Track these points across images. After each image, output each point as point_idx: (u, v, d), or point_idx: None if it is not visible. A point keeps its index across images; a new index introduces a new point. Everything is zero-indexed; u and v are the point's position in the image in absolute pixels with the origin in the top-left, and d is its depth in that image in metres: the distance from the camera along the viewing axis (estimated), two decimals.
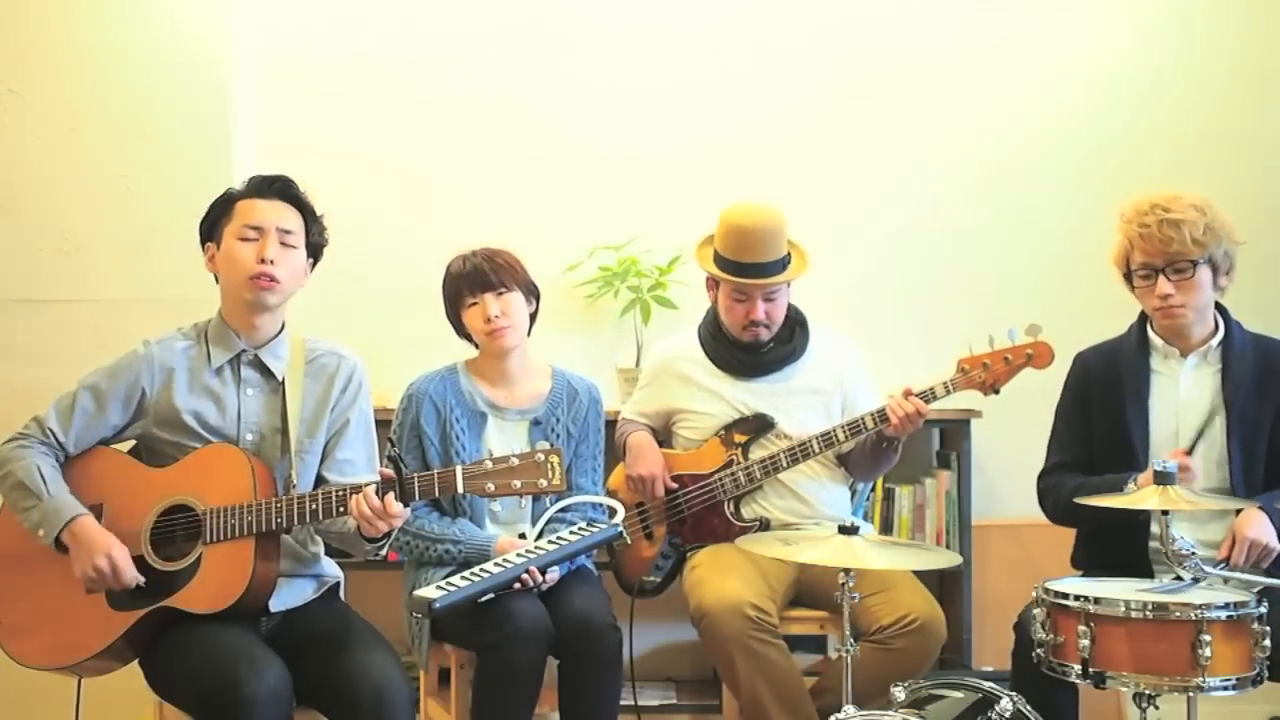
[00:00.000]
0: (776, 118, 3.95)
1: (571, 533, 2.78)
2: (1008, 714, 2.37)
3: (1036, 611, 2.38)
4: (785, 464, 3.12)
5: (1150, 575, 2.70)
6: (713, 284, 3.26)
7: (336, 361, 2.71)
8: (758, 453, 3.17)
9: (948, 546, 3.65)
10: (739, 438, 3.19)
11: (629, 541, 3.13)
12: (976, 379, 2.99)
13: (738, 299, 3.17)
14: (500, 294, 2.93)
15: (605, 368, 3.77)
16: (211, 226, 2.64)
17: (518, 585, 2.67)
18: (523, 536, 2.93)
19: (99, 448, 2.60)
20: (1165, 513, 2.37)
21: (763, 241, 3.12)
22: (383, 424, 2.96)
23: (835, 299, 3.62)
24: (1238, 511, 2.69)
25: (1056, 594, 2.35)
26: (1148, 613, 2.26)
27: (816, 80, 3.96)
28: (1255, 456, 2.79)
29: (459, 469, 2.45)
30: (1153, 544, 2.77)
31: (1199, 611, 2.23)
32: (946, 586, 3.68)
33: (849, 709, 2.42)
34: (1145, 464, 2.77)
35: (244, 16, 3.72)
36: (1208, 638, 2.20)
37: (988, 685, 2.46)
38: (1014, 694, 2.42)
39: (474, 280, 2.93)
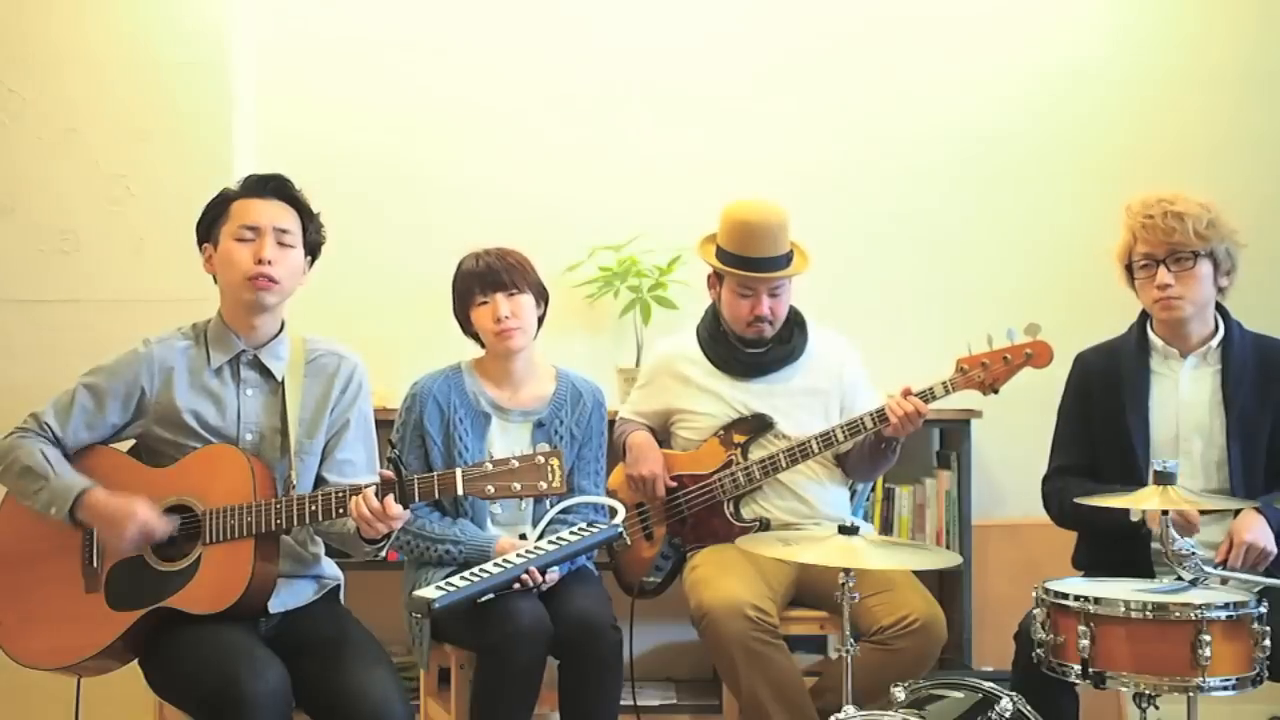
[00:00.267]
0: (776, 118, 3.94)
1: (571, 533, 2.78)
2: (1008, 714, 2.37)
3: (1036, 612, 2.38)
4: (785, 464, 3.12)
5: (1151, 576, 2.70)
6: (715, 281, 3.26)
7: (336, 362, 2.71)
8: (757, 453, 3.17)
9: (948, 546, 3.65)
10: (738, 438, 3.19)
11: (629, 542, 3.13)
12: (975, 379, 2.99)
13: (743, 294, 3.17)
14: (511, 295, 2.92)
15: (605, 368, 3.76)
16: (208, 228, 2.64)
17: (517, 585, 2.67)
18: (523, 538, 2.93)
19: (98, 447, 2.60)
20: (1165, 513, 2.37)
21: (768, 236, 3.12)
22: (383, 425, 2.96)
23: (834, 299, 3.61)
24: (1236, 513, 2.69)
25: (1056, 594, 2.35)
26: (1148, 613, 2.26)
27: (816, 80, 3.96)
28: (1255, 457, 2.79)
29: (459, 471, 2.45)
30: (1154, 545, 2.76)
31: (1199, 612, 2.23)
32: (946, 586, 3.68)
33: (849, 709, 2.42)
34: (1145, 465, 2.77)
35: (244, 17, 3.72)
36: (1208, 638, 2.20)
37: (988, 685, 2.46)
38: (1014, 694, 2.42)
39: (486, 279, 2.92)
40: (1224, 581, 2.46)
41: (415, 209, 3.89)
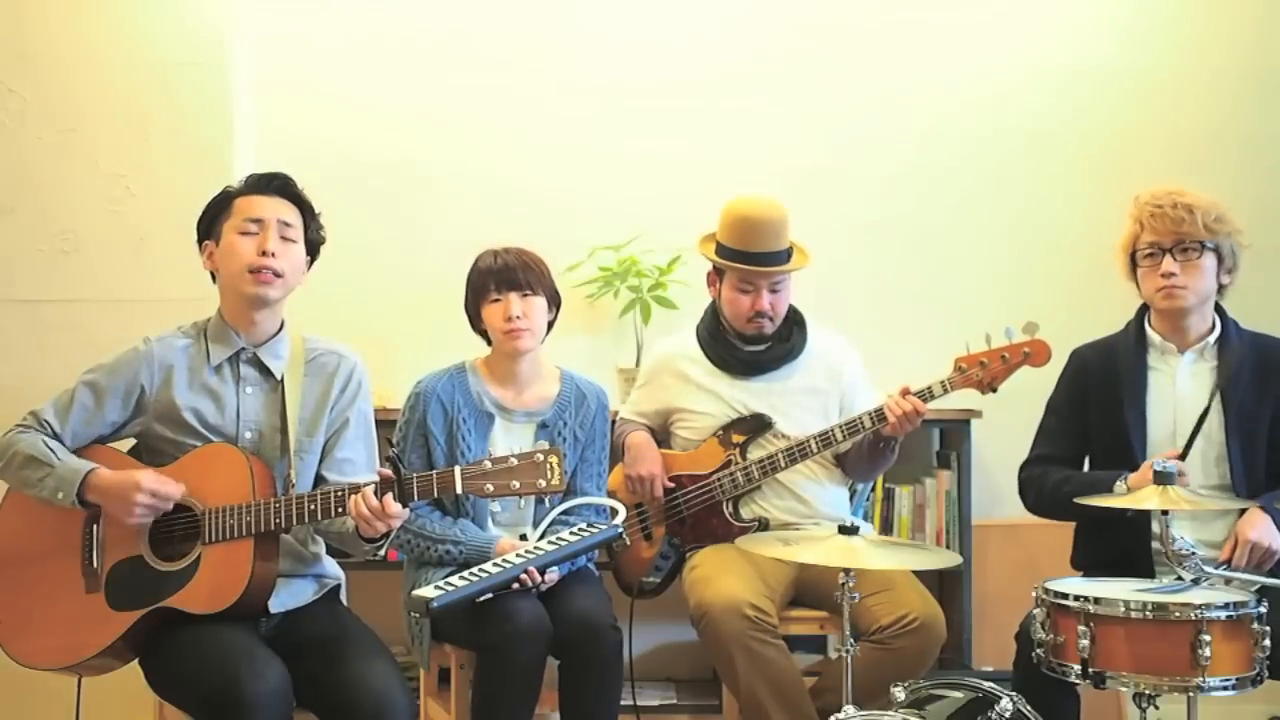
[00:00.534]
0: (775, 117, 3.95)
1: (571, 533, 2.78)
2: (1008, 714, 2.37)
3: (1036, 611, 2.38)
4: (784, 464, 3.12)
5: (1151, 575, 2.70)
6: (715, 278, 3.26)
7: (336, 361, 2.71)
8: (756, 453, 3.17)
9: (948, 546, 3.65)
10: (737, 438, 3.19)
11: (629, 542, 3.13)
12: (974, 378, 2.99)
13: (744, 289, 3.17)
14: (525, 296, 2.91)
15: (605, 368, 3.76)
16: (210, 224, 2.64)
17: (516, 586, 2.67)
18: (524, 538, 2.93)
19: (97, 446, 2.60)
20: (1165, 513, 2.37)
21: (769, 231, 3.12)
22: (383, 424, 2.96)
23: (833, 297, 3.61)
24: (1241, 512, 2.69)
25: (1056, 594, 2.35)
26: (1147, 613, 2.26)
27: (816, 80, 3.96)
28: (1254, 453, 2.79)
29: (458, 469, 2.45)
30: (1153, 544, 2.76)
31: (1199, 611, 2.23)
32: (946, 586, 3.68)
33: (849, 709, 2.42)
34: (1142, 461, 2.78)
35: (243, 17, 3.72)
36: (1207, 638, 2.20)
37: (988, 685, 2.46)
38: (1014, 694, 2.41)
39: (502, 277, 2.92)
40: (1227, 582, 2.46)
41: (415, 209, 3.90)
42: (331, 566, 2.76)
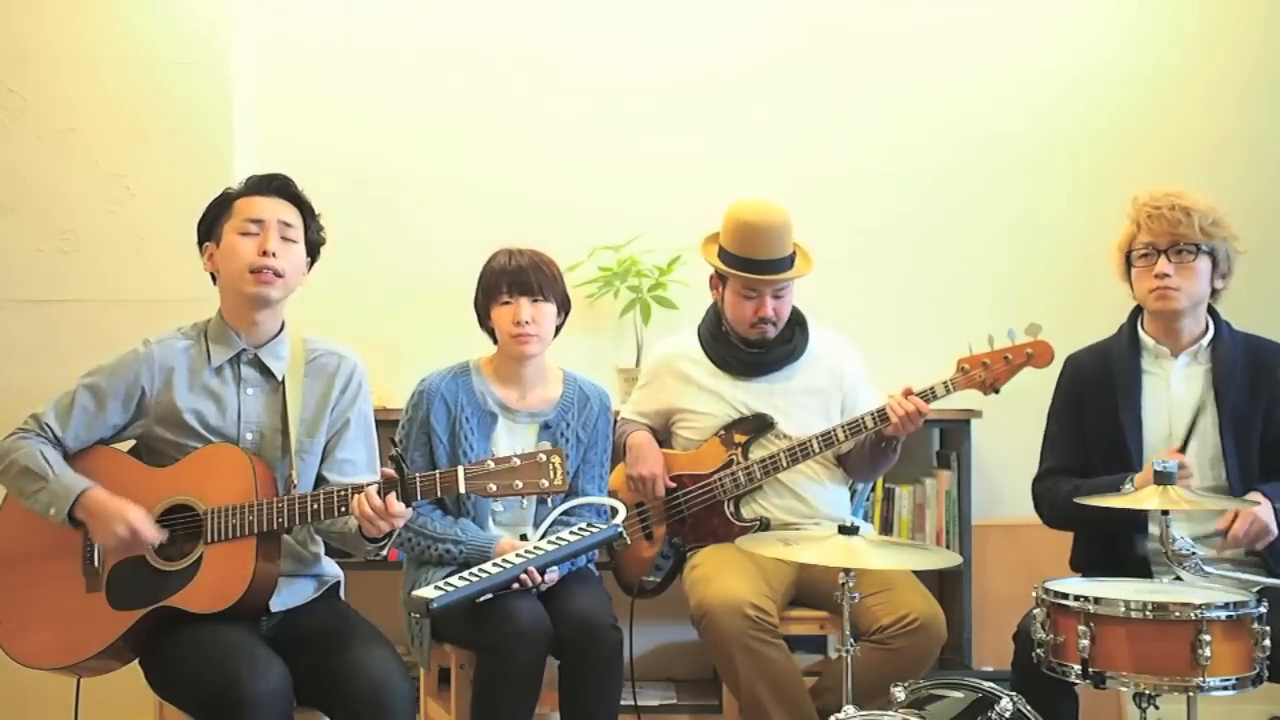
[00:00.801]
0: (776, 117, 3.95)
1: (571, 533, 2.78)
2: (1008, 714, 2.37)
3: (1036, 611, 2.38)
4: (785, 464, 3.13)
5: (1149, 576, 2.70)
6: (718, 281, 3.26)
7: (336, 361, 2.71)
8: (757, 453, 3.17)
9: (948, 546, 3.65)
10: (739, 438, 3.19)
11: (629, 542, 3.13)
12: (976, 378, 3.00)
13: (747, 295, 3.17)
14: (536, 301, 2.90)
15: (605, 368, 3.77)
16: (210, 225, 2.64)
17: (516, 586, 2.67)
18: (524, 538, 2.93)
19: (99, 446, 2.60)
20: (1165, 513, 2.37)
21: (772, 238, 3.12)
22: (384, 425, 2.96)
23: (835, 298, 3.61)
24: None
25: (1056, 594, 2.35)
26: (1148, 613, 2.25)
27: (817, 81, 3.96)
28: (1249, 453, 2.80)
29: (461, 469, 2.45)
30: (1151, 545, 2.77)
31: (1199, 611, 2.22)
32: (946, 586, 3.68)
33: (849, 709, 2.42)
34: (1140, 464, 2.78)
35: (243, 17, 3.72)
36: (1208, 638, 2.20)
37: (988, 685, 2.46)
38: (1014, 694, 2.42)
39: (515, 280, 2.91)
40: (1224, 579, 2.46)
41: (415, 209, 3.90)
42: (330, 566, 2.76)
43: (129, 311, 3.45)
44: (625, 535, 2.84)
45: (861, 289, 3.91)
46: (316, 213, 2.69)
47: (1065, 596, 2.33)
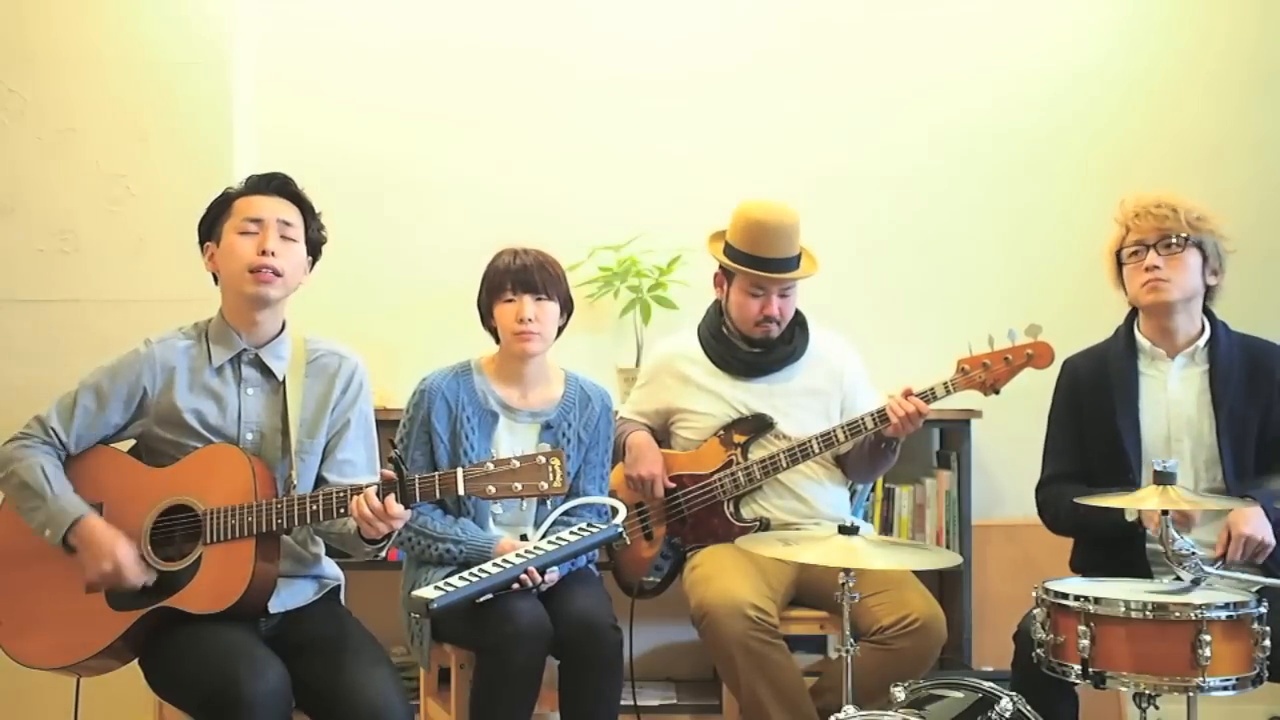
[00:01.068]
0: (776, 117, 3.95)
1: (571, 533, 2.78)
2: (1008, 714, 2.37)
3: (1037, 612, 2.38)
4: (785, 464, 3.13)
5: (1149, 577, 2.70)
6: (722, 279, 3.26)
7: (337, 362, 2.71)
8: (757, 453, 3.17)
9: (948, 546, 3.65)
10: (738, 438, 3.19)
11: (629, 542, 3.13)
12: (976, 379, 3.00)
13: (754, 294, 3.17)
14: (539, 299, 2.91)
15: (605, 368, 3.77)
16: (211, 225, 2.64)
17: (516, 586, 2.67)
18: (525, 538, 2.93)
19: (99, 447, 2.60)
20: (1165, 513, 2.37)
21: (782, 237, 3.13)
22: (384, 425, 2.96)
23: (836, 299, 3.61)
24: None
25: (1056, 594, 2.35)
26: (1148, 613, 2.25)
27: (817, 80, 3.96)
28: (1245, 455, 2.80)
29: (460, 471, 2.45)
30: (1151, 545, 2.77)
31: (1199, 611, 2.22)
32: (946, 586, 3.68)
33: (849, 709, 2.42)
34: (1138, 466, 2.79)
35: (244, 17, 3.72)
36: (1208, 638, 2.20)
37: (988, 685, 2.46)
38: (1014, 694, 2.42)
39: (519, 278, 2.91)
40: (1223, 579, 2.46)
41: (415, 209, 3.90)
42: (331, 567, 2.76)
43: (129, 311, 3.45)
44: (625, 535, 2.84)
45: (862, 290, 3.91)
46: (317, 211, 2.69)
47: (1065, 596, 2.33)
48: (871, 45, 3.96)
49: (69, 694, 2.75)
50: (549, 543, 2.76)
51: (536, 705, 2.70)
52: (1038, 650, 2.38)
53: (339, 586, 2.76)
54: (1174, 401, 2.85)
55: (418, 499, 2.47)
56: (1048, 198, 3.97)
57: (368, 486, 2.44)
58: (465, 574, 2.66)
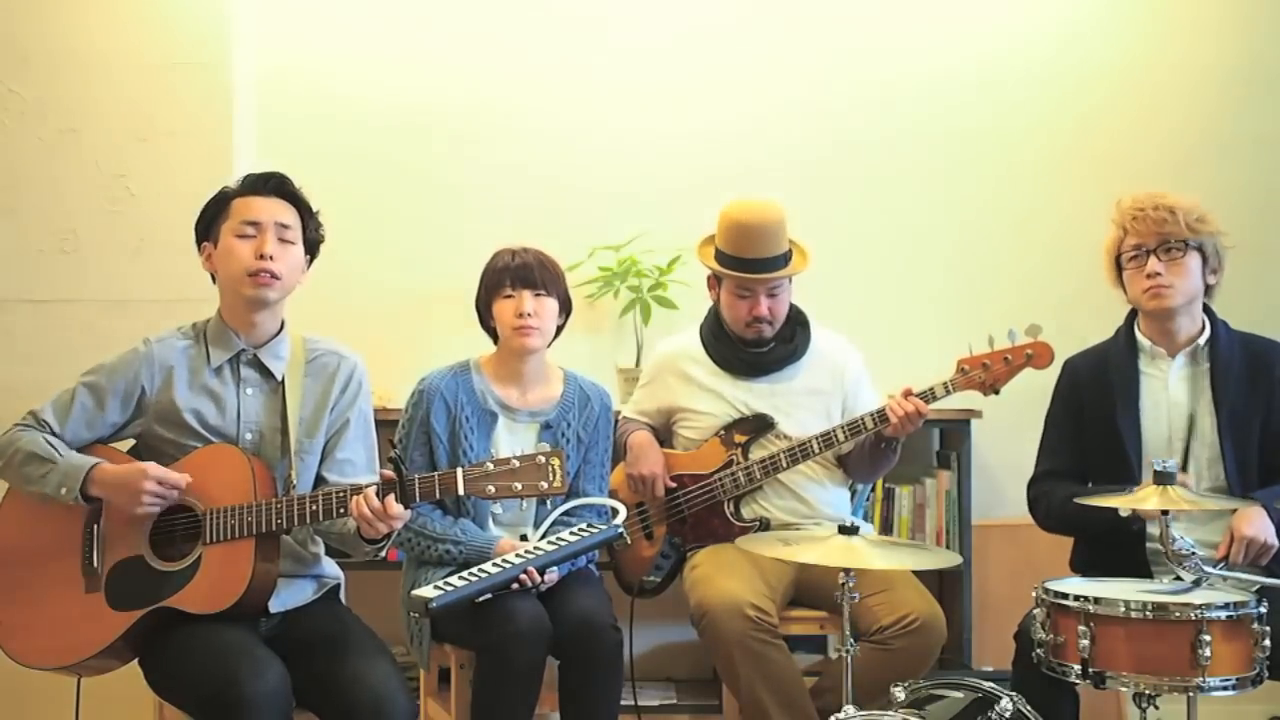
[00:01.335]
0: (776, 117, 3.95)
1: (571, 533, 2.78)
2: (1008, 714, 2.37)
3: (1036, 612, 2.38)
4: (785, 464, 3.13)
5: (1149, 577, 2.70)
6: (714, 282, 3.26)
7: (336, 361, 2.71)
8: (758, 453, 3.17)
9: (948, 546, 3.65)
10: (739, 438, 3.19)
11: (629, 542, 3.12)
12: (976, 379, 3.00)
13: (741, 295, 3.17)
14: (538, 295, 2.91)
15: (605, 368, 3.77)
16: (208, 226, 2.63)
17: (516, 586, 2.67)
18: (524, 538, 2.93)
19: (98, 446, 2.60)
20: (1165, 513, 2.37)
21: (765, 236, 3.12)
22: (384, 425, 2.96)
23: (835, 298, 3.60)
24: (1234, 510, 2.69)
25: (1056, 594, 2.35)
26: (1148, 613, 2.25)
27: (817, 80, 3.96)
28: (1248, 454, 2.80)
29: (460, 471, 2.45)
30: (1151, 545, 2.77)
31: (1199, 611, 2.23)
32: (946, 586, 3.68)
33: (849, 709, 2.42)
34: (1139, 466, 2.79)
35: (244, 17, 3.72)
36: (1208, 638, 2.20)
37: (988, 685, 2.46)
38: (1014, 694, 2.41)
39: (519, 274, 2.91)
40: (1224, 579, 2.46)
41: (415, 210, 3.90)
42: (331, 567, 2.76)
43: (129, 311, 3.45)
44: (625, 536, 2.84)
45: (862, 289, 3.91)
46: (315, 210, 2.69)
47: (1065, 597, 2.33)
48: (873, 45, 3.96)
49: (69, 694, 2.75)
50: (549, 543, 2.76)
51: (536, 705, 2.70)
52: (1038, 650, 2.38)
53: (338, 585, 2.76)
54: (1175, 401, 2.84)
55: (418, 499, 2.47)
56: (1048, 197, 3.97)
57: (367, 486, 2.44)
58: (465, 574, 2.66)
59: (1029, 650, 2.42)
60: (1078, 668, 2.30)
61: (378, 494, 2.42)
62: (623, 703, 2.80)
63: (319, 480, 2.65)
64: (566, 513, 2.96)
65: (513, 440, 2.96)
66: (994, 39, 3.98)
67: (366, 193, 3.84)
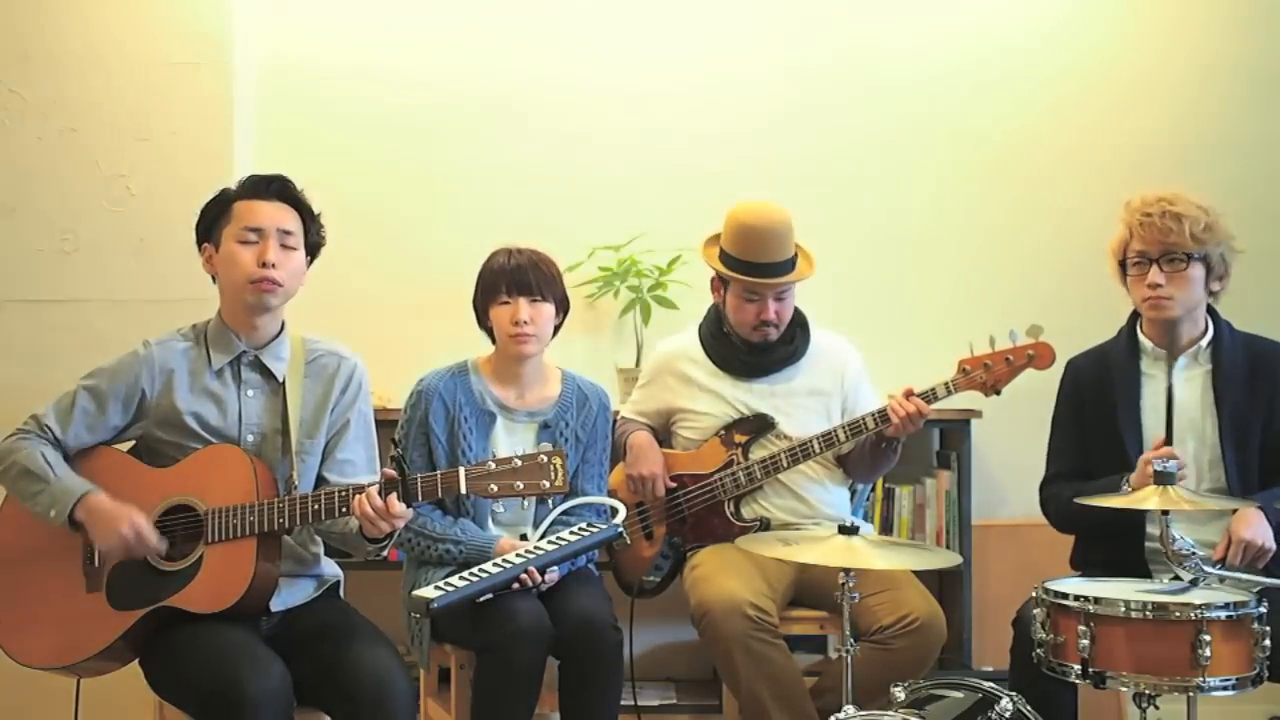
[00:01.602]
0: (776, 117, 3.95)
1: (571, 533, 2.78)
2: (1008, 714, 2.37)
3: (1036, 611, 2.38)
4: (785, 464, 3.13)
5: (1148, 576, 2.70)
6: (719, 284, 3.26)
7: (337, 362, 2.71)
8: (758, 453, 3.17)
9: (948, 546, 3.65)
10: (739, 438, 3.19)
11: (629, 542, 3.13)
12: (978, 379, 3.00)
13: (749, 299, 3.16)
14: (535, 301, 2.90)
15: (605, 368, 3.77)
16: (209, 228, 2.63)
17: (516, 585, 2.67)
18: (524, 538, 2.93)
19: (99, 447, 2.60)
20: (1165, 513, 2.37)
21: (774, 241, 3.11)
22: (384, 425, 2.96)
23: (836, 299, 3.61)
24: (1234, 512, 2.69)
25: (1056, 594, 2.35)
26: (1147, 613, 2.26)
27: (817, 80, 3.96)
28: (1249, 456, 2.80)
29: (462, 470, 2.45)
30: (1151, 545, 2.77)
31: (1199, 611, 2.23)
32: (946, 586, 3.68)
33: (849, 709, 2.42)
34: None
35: (244, 16, 3.72)
36: (1208, 638, 2.20)
37: (988, 685, 2.46)
38: (1014, 694, 2.42)
39: (514, 279, 2.91)
40: (1221, 580, 2.46)
41: (415, 210, 3.90)
42: (330, 566, 2.76)
43: (129, 312, 3.45)
44: (625, 535, 2.84)
45: (863, 290, 3.91)
46: (316, 213, 2.69)
47: (1065, 596, 2.33)
48: (873, 48, 3.96)
49: (69, 694, 2.75)
50: (549, 542, 2.76)
51: (536, 705, 2.70)
52: (1038, 650, 2.38)
53: (338, 582, 2.76)
54: (1176, 402, 2.84)
55: (420, 498, 2.47)
56: (1050, 197, 3.97)
57: (369, 485, 2.44)
58: (465, 574, 2.66)
59: (1028, 645, 2.42)
60: (1078, 668, 2.30)
61: (380, 493, 2.42)
62: (623, 703, 2.80)
63: (320, 480, 2.66)
64: (566, 512, 2.96)
65: (511, 440, 2.96)
66: (995, 39, 3.98)
67: (366, 192, 3.84)
